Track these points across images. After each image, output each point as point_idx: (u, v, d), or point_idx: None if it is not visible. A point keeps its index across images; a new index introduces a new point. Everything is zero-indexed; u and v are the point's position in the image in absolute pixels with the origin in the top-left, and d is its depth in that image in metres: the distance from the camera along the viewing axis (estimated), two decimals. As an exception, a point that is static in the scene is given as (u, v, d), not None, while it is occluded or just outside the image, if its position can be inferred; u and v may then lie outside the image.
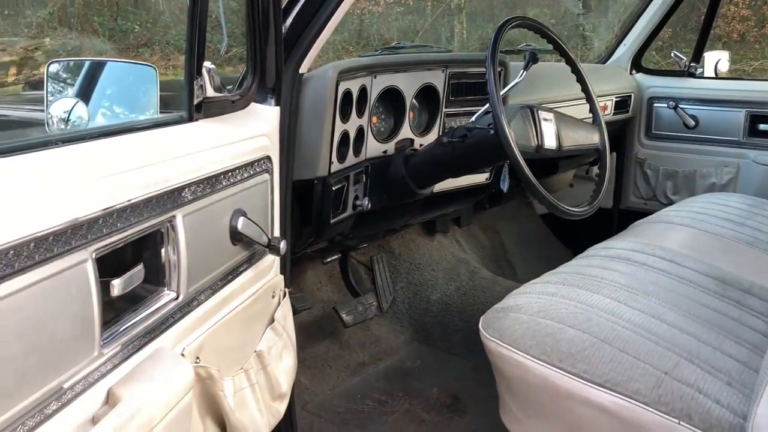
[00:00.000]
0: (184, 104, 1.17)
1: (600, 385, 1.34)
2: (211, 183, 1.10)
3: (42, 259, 0.73)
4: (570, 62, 1.83)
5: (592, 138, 1.80)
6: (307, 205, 1.66)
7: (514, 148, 1.53)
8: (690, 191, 2.83)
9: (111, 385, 0.86)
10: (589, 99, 1.85)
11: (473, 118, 1.81)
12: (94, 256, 0.81)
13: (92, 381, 0.83)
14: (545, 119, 1.69)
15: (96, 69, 1.19)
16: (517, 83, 1.86)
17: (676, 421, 1.26)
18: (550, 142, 1.68)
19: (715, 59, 2.87)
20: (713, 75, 2.87)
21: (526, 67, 1.86)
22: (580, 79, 1.84)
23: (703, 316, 1.54)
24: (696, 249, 1.91)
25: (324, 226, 1.69)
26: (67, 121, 1.18)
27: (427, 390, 2.08)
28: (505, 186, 1.87)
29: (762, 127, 2.67)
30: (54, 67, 1.17)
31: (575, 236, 3.06)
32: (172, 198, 0.99)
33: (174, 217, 0.99)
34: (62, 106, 1.18)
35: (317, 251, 2.04)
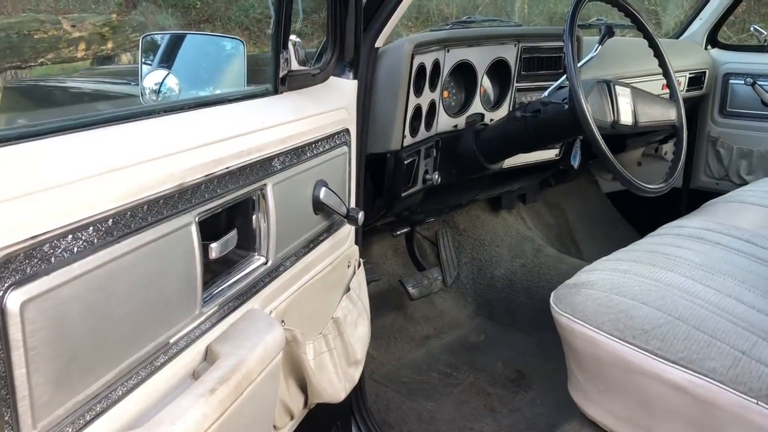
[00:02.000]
0: (270, 77, 1.21)
1: (674, 362, 1.34)
2: (297, 154, 1.14)
3: (154, 220, 0.77)
4: (648, 37, 1.80)
5: (668, 114, 1.77)
6: (379, 178, 1.69)
7: (591, 123, 1.52)
8: (765, 171, 2.74)
9: (209, 343, 0.91)
10: (667, 74, 1.81)
11: (546, 93, 1.80)
12: (197, 219, 0.86)
13: (193, 338, 0.88)
14: (621, 94, 1.66)
15: (186, 42, 1.24)
16: (591, 57, 1.84)
17: (755, 401, 1.25)
18: (626, 117, 1.66)
19: (798, 33, 2.76)
20: (796, 50, 2.76)
21: (601, 42, 1.83)
22: (658, 54, 1.80)
23: (781, 297, 1.51)
24: (774, 229, 1.87)
25: (395, 200, 1.71)
26: (158, 92, 1.23)
27: (491, 364, 2.10)
28: (576, 162, 1.86)
29: None
30: (147, 41, 1.22)
31: (642, 216, 3.01)
32: (264, 167, 1.03)
33: (265, 185, 1.03)
34: (154, 78, 1.22)
35: (385, 224, 2.07)
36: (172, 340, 0.83)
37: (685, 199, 2.97)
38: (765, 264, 1.66)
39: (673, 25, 3.13)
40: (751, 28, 2.82)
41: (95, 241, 0.70)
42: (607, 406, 1.49)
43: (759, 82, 2.70)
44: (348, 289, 1.42)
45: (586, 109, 1.52)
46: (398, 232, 2.18)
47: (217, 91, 1.21)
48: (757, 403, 1.25)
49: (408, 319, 2.24)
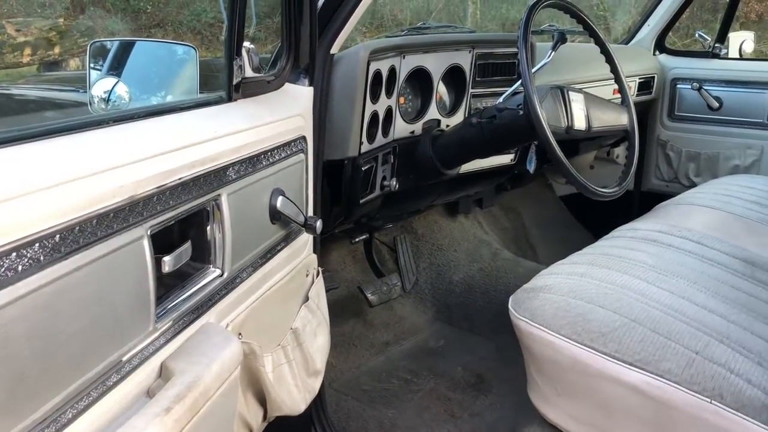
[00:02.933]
0: (223, 84, 1.18)
1: (631, 364, 1.36)
2: (252, 163, 1.12)
3: (104, 235, 0.75)
4: (599, 43, 1.83)
5: (621, 119, 1.80)
6: (337, 185, 1.67)
7: (546, 129, 1.53)
8: (713, 173, 2.82)
9: (164, 359, 0.88)
10: (618, 80, 1.85)
11: (501, 99, 1.81)
12: (149, 233, 0.83)
13: (147, 355, 0.85)
14: (575, 100, 1.68)
15: (136, 49, 1.20)
16: (545, 63, 1.86)
17: (708, 400, 1.28)
18: (579, 123, 1.68)
19: (740, 40, 2.85)
20: (738, 56, 2.85)
21: (554, 48, 1.86)
22: (609, 60, 1.84)
23: (731, 297, 1.54)
24: (722, 231, 1.91)
25: (353, 207, 1.70)
26: (107, 100, 1.20)
27: (451, 369, 2.10)
28: (531, 167, 1.88)
29: (788, 109, 2.65)
30: (96, 47, 1.19)
31: (595, 218, 3.06)
32: (218, 177, 1.00)
33: (219, 195, 1.01)
34: (103, 86, 1.19)
35: (344, 231, 2.06)
36: (124, 358, 0.80)
37: (637, 202, 3.03)
38: (715, 265, 1.70)
39: (622, 30, 3.19)
40: (696, 35, 2.90)
41: (41, 258, 0.67)
42: (567, 409, 1.50)
43: (705, 87, 2.78)
44: (307, 299, 1.40)
45: (541, 115, 1.53)
46: (357, 239, 2.17)
47: (169, 99, 1.18)
48: (711, 402, 1.27)
49: (367, 326, 2.23)
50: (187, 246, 0.96)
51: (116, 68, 1.21)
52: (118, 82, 1.19)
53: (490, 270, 2.42)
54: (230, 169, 1.04)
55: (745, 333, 1.41)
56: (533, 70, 1.91)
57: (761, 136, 2.70)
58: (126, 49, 1.22)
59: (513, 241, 2.80)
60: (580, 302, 1.47)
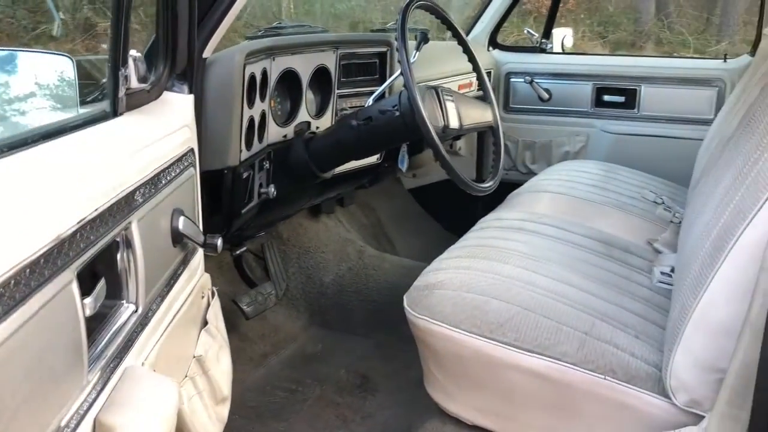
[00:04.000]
0: (108, 96, 1.07)
1: (530, 351, 1.43)
2: (154, 183, 1.02)
3: (36, 285, 0.64)
4: (463, 43, 1.89)
5: (486, 116, 1.88)
6: (216, 196, 1.58)
7: (431, 130, 1.56)
8: (547, 160, 3.04)
9: (97, 415, 0.77)
10: (480, 78, 1.92)
11: (370, 100, 1.81)
12: (76, 274, 0.72)
13: (82, 413, 0.74)
14: (448, 99, 1.73)
15: (1, 60, 1.04)
16: (412, 63, 1.88)
17: (602, 376, 1.38)
18: (454, 121, 1.73)
19: (561, 35, 3.09)
20: (561, 50, 3.09)
21: (418, 48, 1.89)
22: (472, 60, 1.91)
23: (600, 277, 1.68)
24: (576, 214, 2.07)
25: (235, 218, 1.62)
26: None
27: (335, 373, 2.08)
28: (404, 166, 1.90)
29: (606, 98, 2.92)
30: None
31: (443, 208, 3.19)
32: (128, 203, 0.90)
33: (130, 223, 0.91)
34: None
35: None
36: (63, 422, 0.69)
37: (479, 190, 3.19)
38: (579, 248, 1.83)
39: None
40: (525, 31, 3.11)
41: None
42: (469, 401, 1.55)
43: (536, 80, 2.99)
44: (206, 323, 1.31)
45: (425, 116, 1.55)
46: (238, 251, 2.07)
47: (47, 117, 1.04)
48: (605, 378, 1.38)
49: (243, 339, 2.14)
50: (101, 284, 0.85)
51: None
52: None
53: (358, 268, 2.43)
54: (137, 192, 0.94)
55: (620, 310, 1.54)
56: (397, 74, 1.93)
57: (587, 123, 2.95)
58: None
59: (373, 237, 2.83)
60: (475, 295, 1.52)
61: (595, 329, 1.45)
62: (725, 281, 1.20)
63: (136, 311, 0.93)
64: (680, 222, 2.07)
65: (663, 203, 2.28)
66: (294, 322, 2.30)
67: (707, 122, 2.62)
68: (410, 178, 3.18)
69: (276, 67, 1.71)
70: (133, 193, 0.92)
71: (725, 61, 2.75)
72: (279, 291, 2.28)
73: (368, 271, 2.42)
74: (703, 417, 1.25)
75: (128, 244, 0.91)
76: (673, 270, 1.74)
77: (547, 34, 3.05)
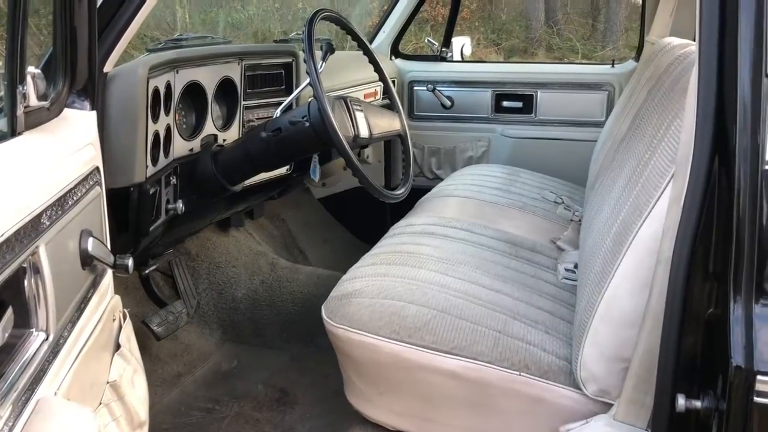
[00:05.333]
0: (5, 115, 1.01)
1: (447, 352, 1.46)
2: (60, 204, 0.98)
3: None
4: (368, 54, 1.92)
5: (394, 124, 1.91)
6: (122, 214, 1.53)
7: (343, 140, 1.57)
8: (452, 165, 3.12)
9: (12, 454, 0.74)
10: (387, 87, 1.96)
11: (278, 111, 1.80)
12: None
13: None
14: (357, 110, 1.75)
15: None
16: (320, 73, 1.89)
17: (517, 373, 1.43)
18: (364, 131, 1.75)
19: (460, 44, 3.19)
20: (460, 58, 3.18)
21: (324, 58, 1.90)
22: (378, 70, 1.94)
23: (508, 276, 1.74)
24: (483, 217, 2.14)
25: (143, 235, 1.57)
26: None
27: (252, 389, 2.04)
28: (316, 176, 1.91)
29: (505, 103, 3.03)
30: None
31: (353, 216, 3.21)
32: (35, 227, 0.86)
33: (38, 248, 0.87)
34: None
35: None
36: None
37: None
38: (487, 249, 1.89)
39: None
40: (426, 41, 3.18)
41: None
42: (390, 406, 1.56)
43: (438, 88, 3.06)
44: (118, 346, 1.26)
45: (336, 127, 1.56)
46: (146, 270, 2.00)
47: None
48: (520, 374, 1.43)
49: (154, 360, 2.07)
50: (9, 313, 0.81)
51: None
52: None
53: (271, 281, 2.40)
54: (44, 215, 0.90)
55: (528, 307, 1.61)
56: (304, 85, 1.93)
57: (488, 129, 3.05)
58: None
59: (284, 248, 2.81)
60: (392, 301, 1.54)
61: (508, 327, 1.50)
62: (626, 275, 1.28)
63: (46, 339, 0.89)
64: (580, 220, 2.18)
65: (563, 203, 2.39)
66: (207, 340, 2.25)
67: (599, 124, 2.77)
68: (320, 188, 3.18)
69: (180, 80, 1.68)
70: (39, 216, 0.88)
71: (613, 66, 2.92)
72: (190, 309, 2.22)
73: (282, 283, 2.40)
74: (611, 405, 1.32)
75: (36, 269, 0.87)
76: (576, 266, 1.83)
77: (446, 43, 3.13)
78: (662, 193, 1.23)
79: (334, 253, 3.05)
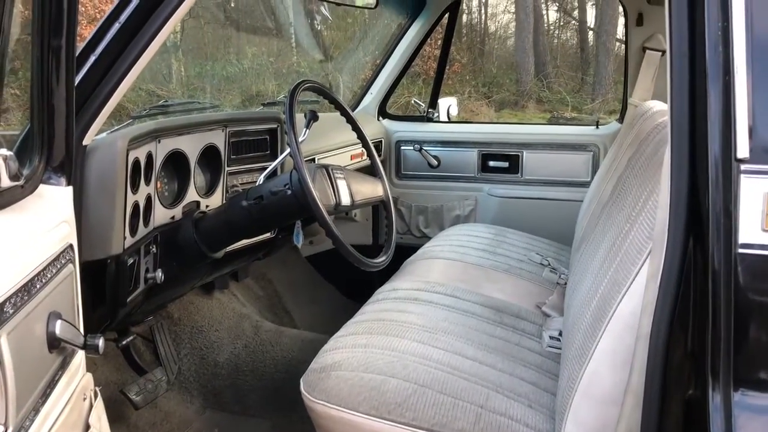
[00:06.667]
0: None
1: (428, 429, 1.43)
2: (27, 289, 0.96)
3: None
4: (351, 122, 1.93)
5: (377, 190, 1.91)
6: (99, 286, 1.51)
7: (322, 209, 1.57)
8: (439, 224, 3.12)
9: None
10: (370, 155, 1.97)
11: (261, 178, 1.81)
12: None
13: None
14: (339, 177, 1.75)
15: None
16: (302, 141, 1.90)
17: (499, 450, 1.40)
18: (345, 198, 1.76)
19: (447, 105, 3.23)
20: (447, 119, 3.22)
21: (308, 126, 1.91)
22: (361, 137, 1.95)
23: (492, 346, 1.72)
24: (468, 281, 2.13)
25: (120, 307, 1.55)
26: None
27: (232, 458, 2.00)
28: (299, 241, 1.90)
29: (491, 163, 3.06)
30: None
31: (341, 275, 3.19)
32: (-4, 317, 0.84)
33: (-1, 339, 0.85)
34: None
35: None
36: None
37: (375, 255, 3.22)
38: (472, 316, 1.87)
39: (351, 97, 3.38)
40: (412, 101, 3.22)
41: None
42: (369, 485, 1.52)
43: (425, 148, 3.09)
44: (88, 427, 1.23)
45: (316, 196, 1.56)
46: (125, 341, 1.97)
47: None
48: (502, 451, 1.40)
49: (132, 429, 2.02)
50: (-35, 409, 0.79)
51: None
52: None
53: (255, 345, 2.37)
54: (7, 304, 0.88)
55: (512, 379, 1.58)
56: (286, 153, 1.94)
57: (475, 188, 3.07)
58: None
59: (269, 309, 2.78)
60: (372, 375, 1.51)
61: (490, 402, 1.48)
62: (606, 352, 1.26)
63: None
64: (566, 283, 2.17)
65: (549, 265, 2.39)
66: (187, 407, 2.20)
67: (585, 184, 2.79)
68: (307, 246, 3.17)
69: (162, 150, 1.68)
70: (2, 305, 0.86)
71: (597, 127, 2.96)
72: (170, 375, 2.18)
73: (265, 348, 2.37)
74: (595, 484, 1.29)
75: (-4, 361, 0.85)
76: (560, 334, 1.81)
77: (433, 103, 3.17)
78: (640, 269, 1.22)
79: (322, 313, 3.02)
